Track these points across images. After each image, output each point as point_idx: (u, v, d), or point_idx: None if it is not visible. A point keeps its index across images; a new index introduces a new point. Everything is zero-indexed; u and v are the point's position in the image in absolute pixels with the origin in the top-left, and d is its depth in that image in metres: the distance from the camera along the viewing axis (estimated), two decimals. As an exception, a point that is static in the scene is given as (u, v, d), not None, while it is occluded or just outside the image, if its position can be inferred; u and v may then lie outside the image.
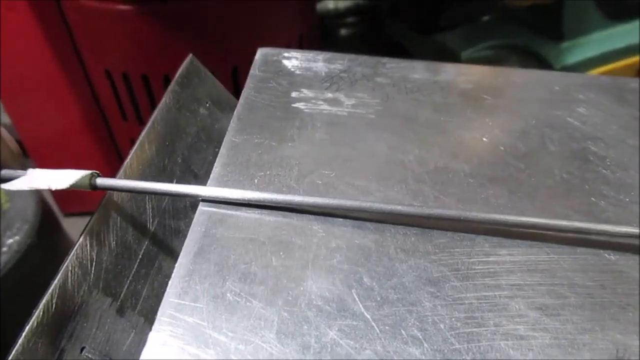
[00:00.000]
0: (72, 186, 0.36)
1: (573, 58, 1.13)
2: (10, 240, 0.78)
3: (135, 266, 0.40)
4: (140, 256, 0.41)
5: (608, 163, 0.44)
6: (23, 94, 1.04)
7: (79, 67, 0.97)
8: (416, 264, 0.35)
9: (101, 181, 0.38)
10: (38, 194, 0.85)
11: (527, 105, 0.50)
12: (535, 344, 0.31)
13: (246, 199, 0.37)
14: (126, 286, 0.38)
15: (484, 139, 0.46)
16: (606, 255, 0.36)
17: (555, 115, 0.49)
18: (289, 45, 0.91)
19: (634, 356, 0.31)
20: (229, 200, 0.38)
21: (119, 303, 0.37)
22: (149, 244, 0.42)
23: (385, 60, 0.56)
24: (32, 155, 1.15)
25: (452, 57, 1.21)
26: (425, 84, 0.53)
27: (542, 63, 1.15)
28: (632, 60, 1.11)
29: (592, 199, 0.40)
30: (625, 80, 0.55)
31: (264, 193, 0.38)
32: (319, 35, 1.12)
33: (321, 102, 0.49)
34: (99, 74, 0.88)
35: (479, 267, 0.35)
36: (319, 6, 1.49)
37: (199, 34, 0.79)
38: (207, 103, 0.56)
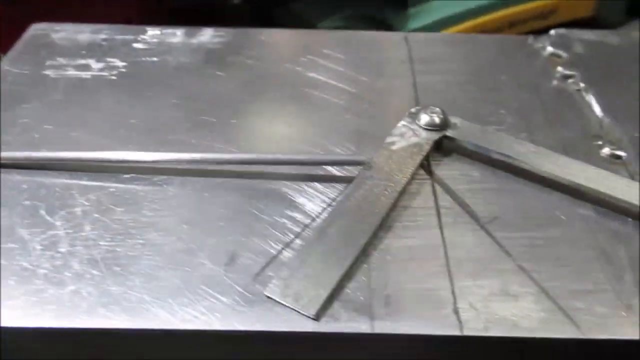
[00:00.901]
0: None
1: (415, 24, 1.19)
2: None
3: None
4: None
5: (320, 104, 0.50)
6: None
7: None
8: (93, 197, 0.41)
9: None
10: None
11: (264, 60, 0.56)
12: (168, 250, 0.37)
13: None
14: None
15: (211, 90, 0.51)
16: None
17: (286, 68, 0.55)
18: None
19: (247, 254, 0.37)
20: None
21: None
22: None
23: (149, 28, 0.61)
24: None
25: (309, 27, 1.26)
26: (178, 46, 0.58)
27: (390, 30, 1.21)
28: (468, 24, 1.19)
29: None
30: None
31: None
32: (164, 11, 1.15)
33: (70, 68, 0.54)
34: None
35: (152, 196, 0.41)
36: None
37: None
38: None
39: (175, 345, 0.34)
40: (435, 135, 0.43)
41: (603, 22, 1.36)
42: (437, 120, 0.44)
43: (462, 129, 0.44)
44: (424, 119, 0.44)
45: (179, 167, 0.42)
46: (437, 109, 0.44)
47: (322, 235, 0.36)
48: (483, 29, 1.25)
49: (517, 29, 1.29)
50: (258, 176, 0.42)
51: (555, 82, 0.53)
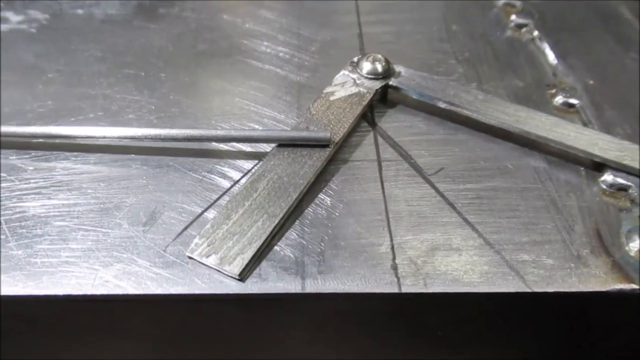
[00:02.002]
0: None
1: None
2: None
3: None
4: None
5: (258, 56, 0.47)
6: None
7: None
8: (1, 155, 0.37)
9: None
10: None
11: (200, 11, 0.52)
12: (80, 210, 0.33)
13: None
14: None
15: (140, 43, 0.47)
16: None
17: (223, 19, 0.51)
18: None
19: (169, 212, 0.33)
20: None
21: None
22: None
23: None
24: None
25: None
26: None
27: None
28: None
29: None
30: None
31: None
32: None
33: (-14, 22, 0.49)
34: None
35: (66, 153, 0.37)
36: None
37: None
38: None
39: (87, 313, 0.30)
40: (378, 84, 0.40)
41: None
42: (379, 68, 0.41)
43: (407, 78, 0.41)
44: (366, 67, 0.41)
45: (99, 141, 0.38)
46: (380, 56, 0.41)
47: (251, 191, 0.33)
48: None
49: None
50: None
51: (508, 32, 0.51)
